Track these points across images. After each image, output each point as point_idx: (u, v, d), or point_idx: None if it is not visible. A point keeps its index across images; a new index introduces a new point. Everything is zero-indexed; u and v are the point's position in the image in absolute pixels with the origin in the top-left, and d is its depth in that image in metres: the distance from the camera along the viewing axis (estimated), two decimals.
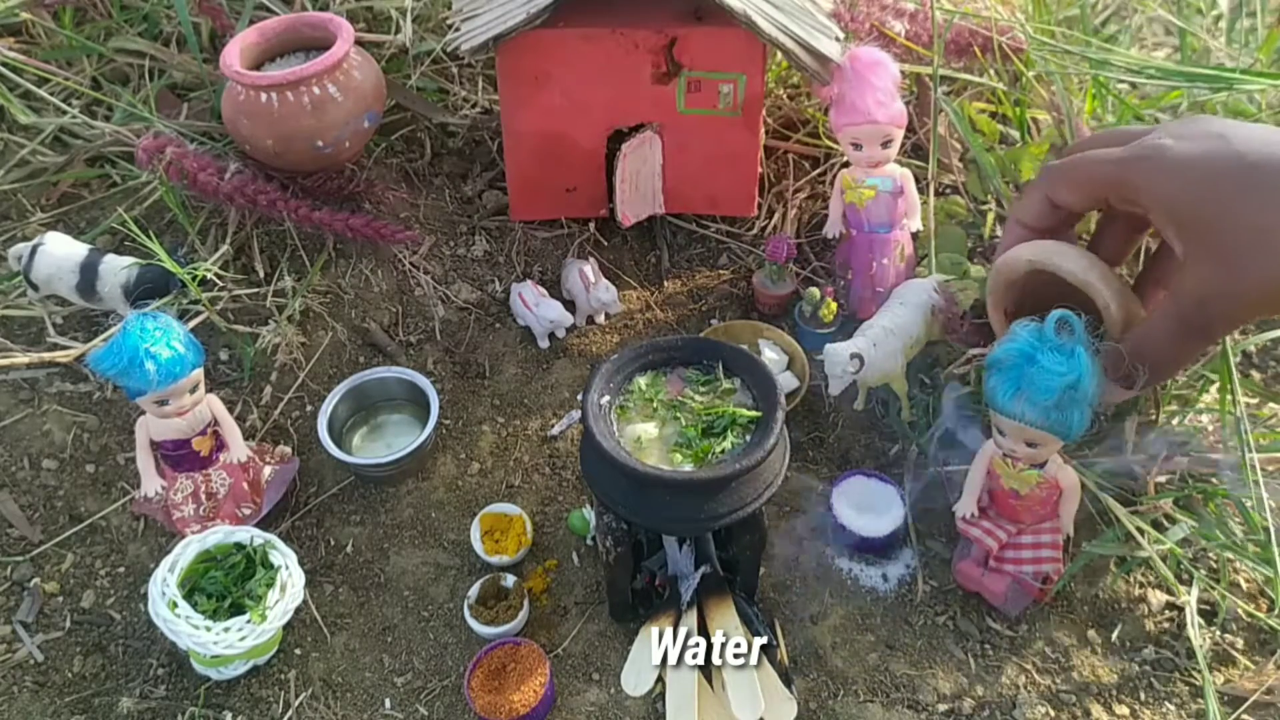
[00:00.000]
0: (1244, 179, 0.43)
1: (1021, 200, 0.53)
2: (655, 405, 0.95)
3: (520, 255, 1.37)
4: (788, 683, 0.96)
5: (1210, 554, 1.07)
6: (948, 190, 1.40)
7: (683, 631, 0.97)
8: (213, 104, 1.40)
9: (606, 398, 0.94)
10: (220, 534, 1.01)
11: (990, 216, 1.33)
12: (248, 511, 1.09)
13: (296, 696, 0.99)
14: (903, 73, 1.25)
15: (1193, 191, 0.44)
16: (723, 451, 0.90)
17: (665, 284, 1.37)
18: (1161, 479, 1.08)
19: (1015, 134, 1.45)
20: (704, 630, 0.97)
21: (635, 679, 0.96)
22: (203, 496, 1.08)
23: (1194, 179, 0.43)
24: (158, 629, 0.95)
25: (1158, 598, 1.05)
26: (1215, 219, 0.44)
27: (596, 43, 1.20)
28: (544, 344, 1.30)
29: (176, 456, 1.07)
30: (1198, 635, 0.96)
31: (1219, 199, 0.43)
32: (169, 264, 1.12)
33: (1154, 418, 1.12)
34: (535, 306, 1.27)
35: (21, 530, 1.10)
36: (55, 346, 1.21)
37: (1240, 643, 1.02)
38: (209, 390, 1.10)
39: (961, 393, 1.10)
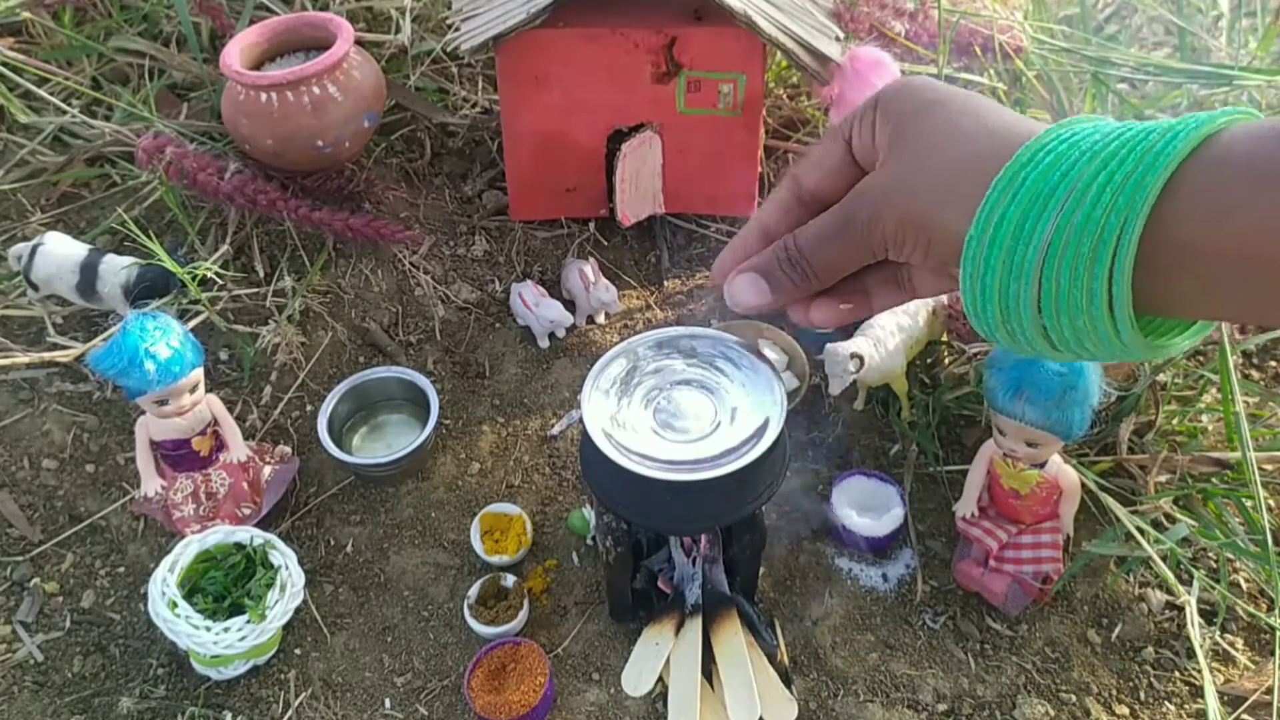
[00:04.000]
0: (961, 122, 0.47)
1: (765, 201, 0.52)
2: None
3: (520, 255, 1.37)
4: (788, 683, 0.96)
5: (1210, 554, 1.07)
6: None
7: (686, 635, 0.97)
8: (213, 104, 1.40)
9: None
10: (220, 534, 1.01)
11: None
12: (248, 511, 1.09)
13: (296, 696, 0.99)
14: (903, 72, 1.25)
15: (917, 110, 0.48)
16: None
17: (665, 284, 1.37)
18: (1161, 479, 1.08)
19: None
20: (707, 636, 0.97)
21: (636, 679, 0.96)
22: (202, 496, 1.08)
23: (928, 99, 0.48)
24: (158, 629, 0.96)
25: (1158, 598, 1.04)
26: (924, 139, 0.47)
27: (596, 42, 1.20)
28: (544, 344, 1.30)
29: (176, 456, 1.07)
30: (1198, 635, 0.96)
31: (936, 130, 0.47)
32: (169, 264, 1.13)
33: (1154, 418, 1.12)
34: (535, 306, 1.27)
35: (21, 530, 1.10)
36: (55, 346, 1.21)
37: (1240, 643, 1.02)
38: (209, 390, 1.10)
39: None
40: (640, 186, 1.32)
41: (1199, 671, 0.96)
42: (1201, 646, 0.96)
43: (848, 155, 0.50)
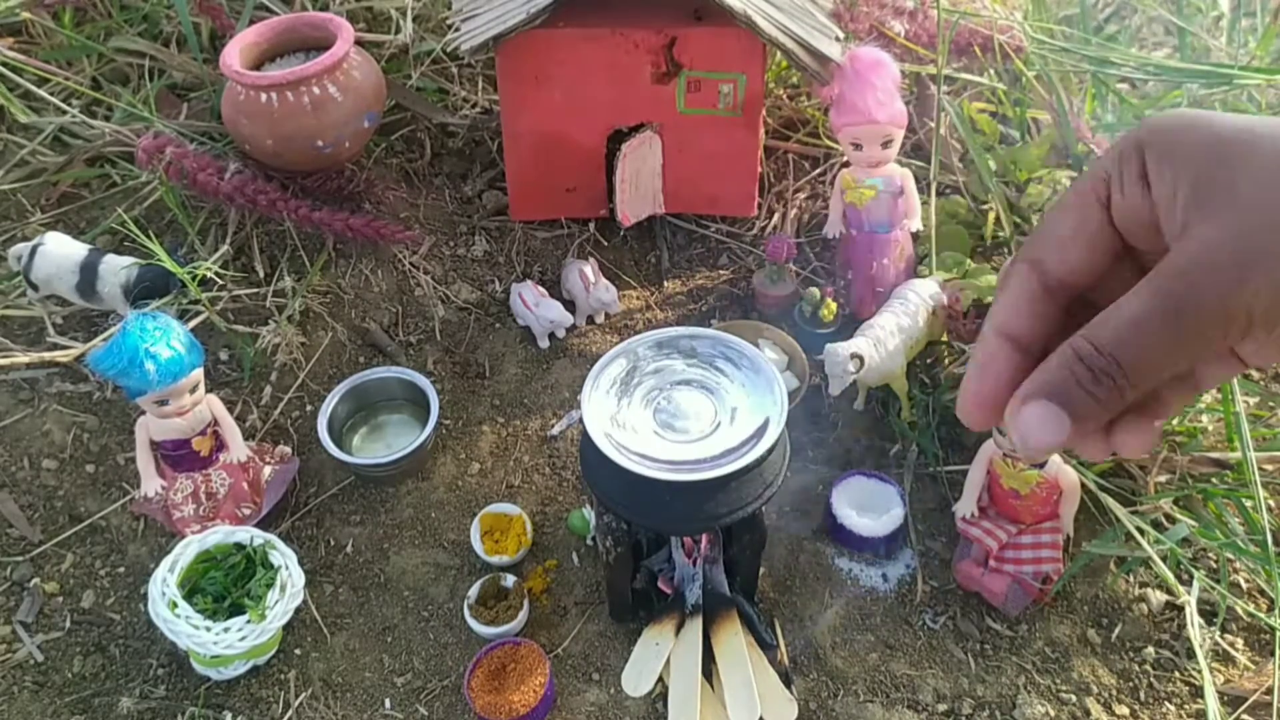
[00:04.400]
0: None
1: (995, 302, 0.42)
2: None
3: (520, 255, 1.37)
4: (788, 683, 0.97)
5: (1210, 554, 1.07)
6: (948, 190, 1.40)
7: (686, 635, 0.97)
8: (213, 104, 1.40)
9: None
10: (220, 534, 1.01)
11: (991, 216, 1.33)
12: (248, 511, 1.09)
13: (296, 696, 0.99)
14: (903, 72, 1.25)
15: (1218, 148, 0.37)
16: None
17: (665, 284, 1.37)
18: (1161, 479, 1.08)
19: (1015, 134, 1.45)
20: (707, 636, 0.97)
21: (636, 679, 0.97)
22: (203, 496, 1.08)
23: (1225, 135, 0.37)
24: (158, 629, 0.96)
25: (1158, 597, 1.04)
26: (1243, 183, 0.36)
27: (596, 43, 1.20)
28: (544, 344, 1.30)
29: (176, 456, 1.07)
30: (1198, 635, 0.96)
31: (1255, 159, 0.36)
32: (169, 264, 1.13)
33: None
34: (535, 306, 1.27)
35: (21, 530, 1.10)
36: (55, 346, 1.21)
37: (1240, 642, 1.02)
38: (209, 390, 1.10)
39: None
40: (640, 187, 1.32)
41: (1199, 671, 0.96)
42: (1201, 646, 0.96)
43: (1107, 226, 0.40)
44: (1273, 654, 0.99)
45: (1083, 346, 0.38)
